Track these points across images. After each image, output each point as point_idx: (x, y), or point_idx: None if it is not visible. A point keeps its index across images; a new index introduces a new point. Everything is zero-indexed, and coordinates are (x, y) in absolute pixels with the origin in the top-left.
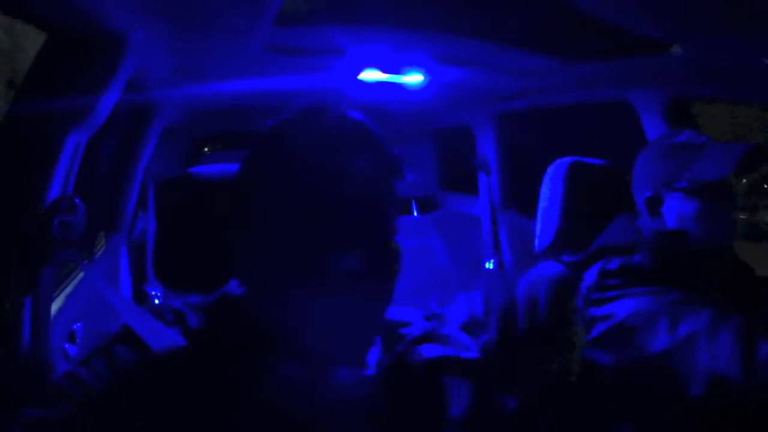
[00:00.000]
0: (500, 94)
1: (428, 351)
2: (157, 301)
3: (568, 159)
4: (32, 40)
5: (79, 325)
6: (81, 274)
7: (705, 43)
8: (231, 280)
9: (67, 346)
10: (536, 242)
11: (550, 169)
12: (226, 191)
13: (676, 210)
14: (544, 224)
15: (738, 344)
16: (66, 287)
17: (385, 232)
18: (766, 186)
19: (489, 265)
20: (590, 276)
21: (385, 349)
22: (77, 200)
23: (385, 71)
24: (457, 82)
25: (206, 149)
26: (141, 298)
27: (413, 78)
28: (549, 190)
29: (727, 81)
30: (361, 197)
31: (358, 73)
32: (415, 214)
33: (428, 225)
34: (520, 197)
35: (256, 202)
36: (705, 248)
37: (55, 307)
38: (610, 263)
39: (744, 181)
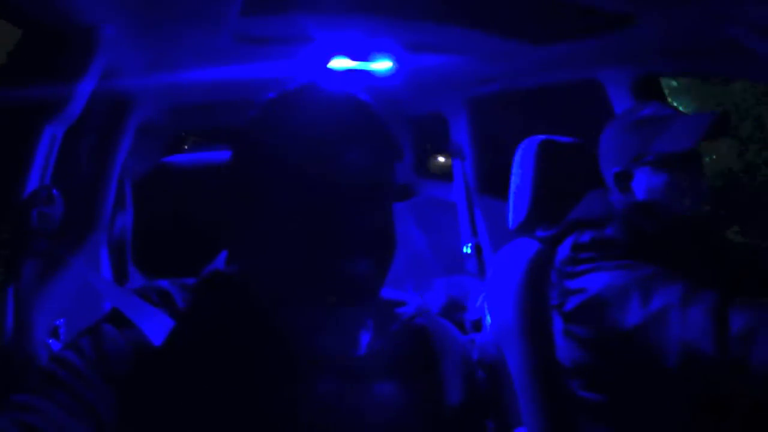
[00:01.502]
0: (471, 78)
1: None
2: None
3: (538, 137)
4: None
5: (62, 320)
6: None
7: (667, 15)
8: (218, 257)
9: (50, 341)
10: (510, 220)
11: (521, 148)
12: (200, 177)
13: (645, 184)
14: (516, 202)
15: (710, 318)
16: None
17: (384, 214)
18: None
19: (467, 250)
20: (564, 250)
21: (378, 329)
22: (55, 191)
23: (353, 58)
24: (426, 67)
25: (185, 146)
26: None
27: (382, 65)
28: (520, 168)
29: (691, 55)
30: (362, 176)
31: (327, 61)
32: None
33: (404, 212)
34: (496, 181)
35: (254, 178)
36: (675, 219)
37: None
38: (582, 236)
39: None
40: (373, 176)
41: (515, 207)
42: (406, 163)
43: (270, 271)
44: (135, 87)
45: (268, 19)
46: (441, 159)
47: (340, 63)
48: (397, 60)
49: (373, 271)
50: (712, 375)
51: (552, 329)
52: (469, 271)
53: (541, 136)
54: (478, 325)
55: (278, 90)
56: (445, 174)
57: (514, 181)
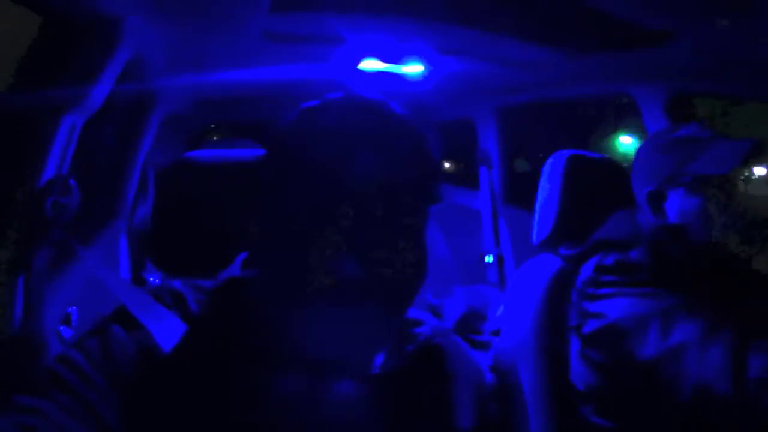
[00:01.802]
0: (502, 86)
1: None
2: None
3: (567, 152)
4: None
5: (74, 308)
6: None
7: (706, 37)
8: (235, 261)
9: (62, 328)
10: (534, 234)
11: (549, 162)
12: (221, 175)
13: (678, 205)
14: (542, 217)
15: (729, 359)
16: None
17: (418, 232)
18: None
19: (489, 259)
20: (586, 270)
21: (393, 348)
22: (72, 181)
23: (384, 61)
24: (458, 73)
25: (214, 137)
26: (139, 284)
27: (413, 68)
28: (548, 183)
29: (727, 76)
30: (397, 193)
31: (358, 63)
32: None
33: (428, 217)
34: (521, 191)
35: (285, 185)
36: (703, 245)
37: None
38: (606, 258)
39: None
40: (408, 193)
41: (540, 222)
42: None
43: (289, 280)
44: (159, 80)
45: (297, 17)
46: (466, 166)
47: (370, 64)
48: (429, 64)
49: (401, 288)
50: (726, 415)
51: (568, 350)
52: (489, 281)
53: (571, 151)
54: (496, 336)
55: (317, 98)
56: (470, 181)
57: (541, 195)
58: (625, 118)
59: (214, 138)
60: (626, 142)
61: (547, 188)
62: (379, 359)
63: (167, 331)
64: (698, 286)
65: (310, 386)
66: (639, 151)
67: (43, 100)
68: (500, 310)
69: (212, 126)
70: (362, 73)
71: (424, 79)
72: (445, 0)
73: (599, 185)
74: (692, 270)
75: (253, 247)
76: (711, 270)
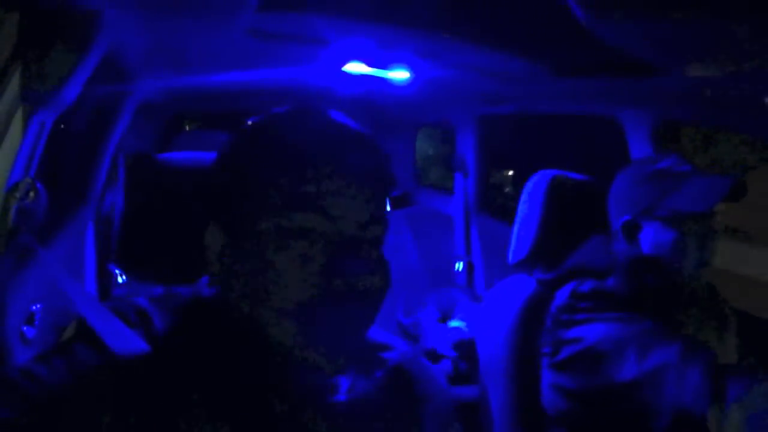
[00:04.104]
0: (485, 96)
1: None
2: (120, 280)
3: (550, 172)
4: None
5: (38, 306)
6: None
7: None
8: (201, 278)
9: (25, 328)
10: (511, 254)
11: (532, 181)
12: (192, 181)
13: (653, 238)
14: (520, 237)
15: (707, 381)
16: None
17: (376, 249)
18: None
19: (459, 267)
20: (561, 296)
21: (361, 373)
22: (39, 185)
23: (370, 65)
24: (442, 80)
25: (187, 127)
26: (106, 275)
27: (399, 74)
28: (528, 203)
29: (717, 108)
30: (351, 211)
31: (343, 65)
32: (389, 208)
33: (401, 221)
34: (495, 200)
35: (236, 205)
36: (679, 279)
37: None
38: (582, 285)
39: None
40: (362, 211)
41: (518, 242)
42: (408, 170)
43: (254, 301)
44: (136, 69)
45: (284, 16)
46: (443, 170)
47: (355, 67)
48: (414, 70)
49: (363, 308)
50: None
51: (540, 375)
52: (458, 290)
53: (554, 171)
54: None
55: (264, 114)
56: (445, 186)
57: (521, 214)
58: (610, 139)
59: (189, 126)
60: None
61: (527, 208)
62: (347, 384)
63: (131, 351)
64: (675, 314)
65: (271, 415)
66: (618, 179)
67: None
68: (466, 326)
69: (191, 114)
70: (347, 75)
71: (409, 84)
72: (433, 8)
73: (580, 208)
74: (668, 299)
75: (215, 264)
76: (687, 300)
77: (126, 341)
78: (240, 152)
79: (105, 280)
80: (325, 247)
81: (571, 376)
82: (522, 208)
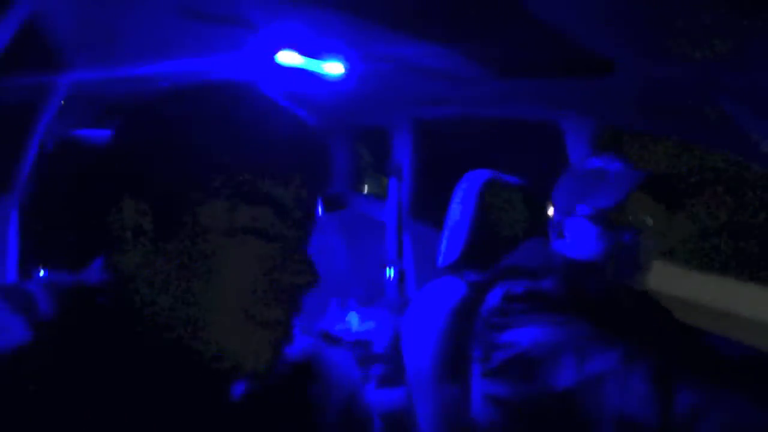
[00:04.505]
0: (423, 96)
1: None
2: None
3: (484, 173)
4: None
5: None
6: None
7: (648, 68)
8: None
9: None
10: (441, 257)
11: (464, 181)
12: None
13: (576, 235)
14: (450, 239)
15: (653, 387)
16: None
17: (308, 240)
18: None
19: (389, 273)
20: (493, 298)
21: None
22: None
23: (303, 54)
24: (379, 76)
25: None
26: (28, 267)
27: (334, 67)
28: (461, 203)
29: (663, 115)
30: (279, 205)
31: (274, 53)
32: (320, 210)
33: (332, 223)
34: (430, 207)
35: (165, 179)
36: (614, 282)
37: None
38: (516, 286)
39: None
40: (306, 206)
41: (449, 244)
42: (341, 173)
43: (171, 300)
44: (63, 52)
45: None
46: (376, 175)
47: (288, 57)
48: (349, 64)
49: (296, 307)
50: None
51: (470, 383)
52: (388, 296)
53: (488, 172)
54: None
55: (197, 82)
56: (377, 192)
57: (452, 215)
58: (549, 145)
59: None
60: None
61: (458, 209)
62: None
63: (8, 339)
64: (613, 318)
65: (158, 423)
66: (558, 181)
67: None
68: (395, 333)
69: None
70: (278, 67)
71: (343, 80)
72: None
73: (514, 210)
74: (609, 305)
75: (123, 252)
76: (625, 305)
77: (5, 325)
78: (175, 121)
79: (27, 272)
80: (282, 246)
81: (505, 383)
82: (453, 209)
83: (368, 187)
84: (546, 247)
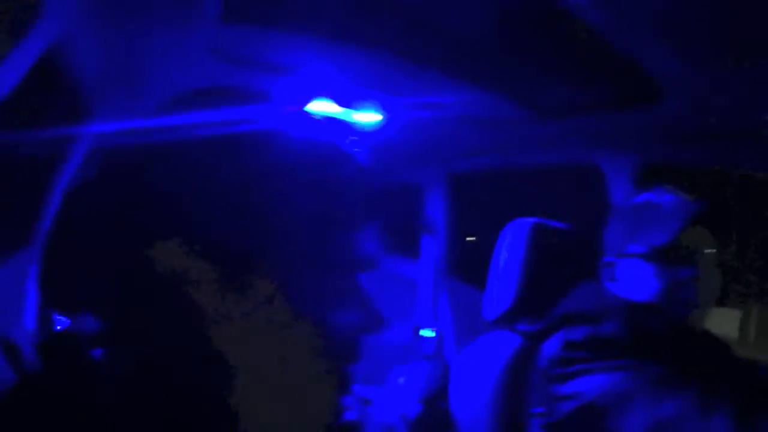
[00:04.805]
0: (460, 148)
1: None
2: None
3: (529, 220)
4: None
5: None
6: None
7: (696, 97)
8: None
9: None
10: (487, 310)
11: (509, 230)
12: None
13: (630, 276)
14: (499, 290)
15: (737, 427)
16: None
17: None
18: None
19: (427, 333)
20: (551, 347)
21: None
22: None
23: (338, 103)
24: (415, 128)
25: None
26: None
27: (370, 117)
28: (507, 252)
29: (710, 144)
30: None
31: (307, 102)
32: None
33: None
34: (466, 264)
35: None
36: (675, 321)
37: None
38: (574, 333)
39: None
40: None
41: (498, 295)
42: (372, 233)
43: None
44: (85, 90)
45: (248, 31)
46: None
47: (320, 107)
48: (386, 112)
49: None
50: None
51: None
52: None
53: (533, 219)
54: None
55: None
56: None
57: (498, 265)
58: (588, 187)
59: None
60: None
61: (505, 258)
62: None
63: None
64: (681, 358)
65: None
66: (607, 222)
67: None
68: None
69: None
70: (308, 116)
71: (377, 131)
72: (419, 36)
73: (563, 256)
74: (676, 344)
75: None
76: (688, 344)
77: None
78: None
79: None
80: None
81: None
82: (500, 259)
83: (399, 246)
84: (601, 290)
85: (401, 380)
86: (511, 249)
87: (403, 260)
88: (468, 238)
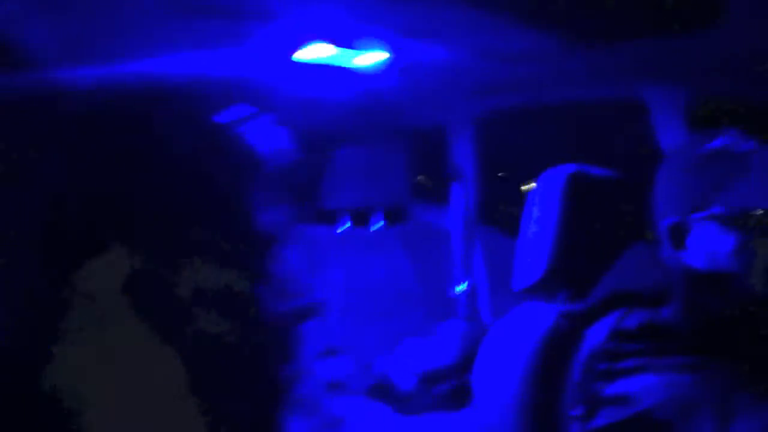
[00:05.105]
0: (485, 84)
1: None
2: None
3: (567, 167)
4: None
5: None
6: None
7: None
8: None
9: None
10: (517, 278)
11: (542, 180)
12: None
13: (707, 244)
14: (529, 254)
15: None
16: None
17: None
18: None
19: (460, 289)
20: (597, 335)
21: None
22: None
23: (336, 44)
24: (429, 64)
25: None
26: None
27: (373, 57)
28: (539, 209)
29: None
30: None
31: (296, 50)
32: (379, 225)
33: (394, 239)
34: (500, 211)
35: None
36: (757, 299)
37: None
38: (627, 318)
39: None
40: None
41: (527, 260)
42: (396, 183)
43: None
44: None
45: None
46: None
47: (313, 52)
48: (392, 51)
49: None
50: None
51: None
52: (459, 315)
53: (573, 166)
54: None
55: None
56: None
57: (529, 224)
58: (634, 130)
59: None
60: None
61: (538, 216)
62: None
63: None
64: (757, 352)
65: None
66: (660, 171)
67: None
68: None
69: None
70: (298, 65)
71: (385, 73)
72: None
73: (610, 213)
74: (749, 330)
75: None
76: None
77: None
78: None
79: None
80: None
81: None
82: (530, 216)
83: (431, 194)
84: (661, 261)
85: (429, 342)
86: (544, 204)
87: (435, 209)
88: (502, 184)
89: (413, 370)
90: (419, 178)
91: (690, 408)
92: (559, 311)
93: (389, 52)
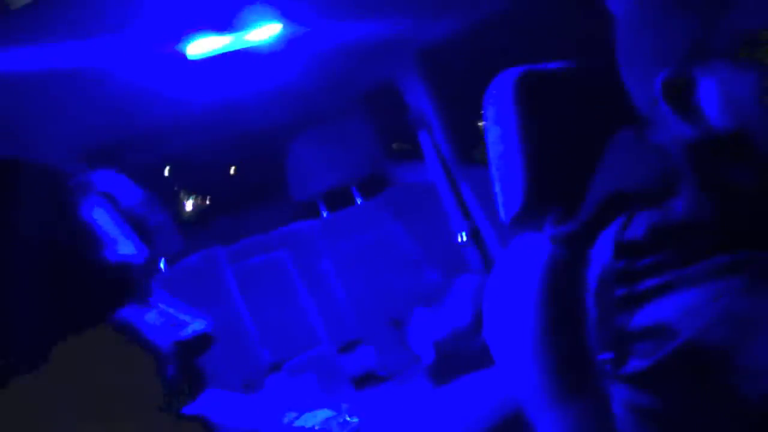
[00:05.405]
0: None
1: None
2: None
3: (510, 73)
4: None
5: None
6: None
7: None
8: None
9: None
10: (502, 210)
11: (491, 94)
12: None
13: (720, 94)
14: (504, 181)
15: None
16: None
17: None
18: None
19: (461, 238)
20: (600, 255)
21: None
22: None
23: (224, 31)
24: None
25: None
26: None
27: (266, 31)
28: (497, 125)
29: None
30: None
31: (180, 41)
32: (359, 201)
33: (381, 210)
34: (477, 144)
35: None
36: None
37: None
38: (632, 226)
39: None
40: None
41: (504, 189)
42: (370, 150)
43: None
44: None
45: None
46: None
47: (201, 46)
48: (287, 17)
49: None
50: None
51: (606, 395)
52: (471, 268)
53: (517, 68)
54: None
55: None
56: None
57: (493, 147)
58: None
59: None
60: None
61: (498, 134)
62: None
63: None
64: None
65: None
66: (624, 25)
67: None
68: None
69: None
70: (191, 63)
71: (288, 48)
72: None
73: (573, 108)
74: None
75: None
76: None
77: None
78: None
79: None
80: None
81: (662, 392)
82: (492, 138)
83: (405, 152)
84: (648, 140)
85: (442, 307)
86: (499, 120)
87: (417, 168)
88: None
89: (430, 340)
90: (394, 145)
91: (747, 323)
92: (551, 237)
93: (280, 21)
